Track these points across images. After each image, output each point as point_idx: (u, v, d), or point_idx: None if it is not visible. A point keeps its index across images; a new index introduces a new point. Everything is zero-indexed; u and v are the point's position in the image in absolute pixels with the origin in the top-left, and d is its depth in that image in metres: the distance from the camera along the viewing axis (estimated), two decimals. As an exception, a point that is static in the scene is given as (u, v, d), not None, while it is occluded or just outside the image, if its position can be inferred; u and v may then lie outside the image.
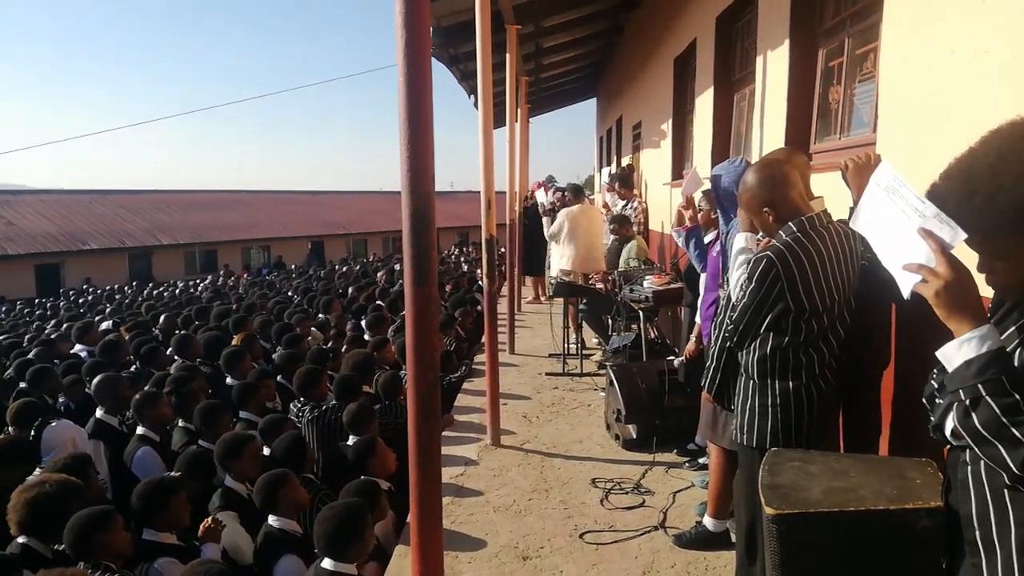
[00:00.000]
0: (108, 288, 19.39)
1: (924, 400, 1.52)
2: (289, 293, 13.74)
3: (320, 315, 9.46)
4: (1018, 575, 1.29)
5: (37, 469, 3.80)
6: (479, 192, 4.85)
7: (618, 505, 4.00)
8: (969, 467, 1.39)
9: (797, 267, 2.47)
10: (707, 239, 4.06)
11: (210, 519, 3.41)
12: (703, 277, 3.98)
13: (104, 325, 10.09)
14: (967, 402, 1.25)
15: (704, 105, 6.15)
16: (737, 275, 2.87)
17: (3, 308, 16.41)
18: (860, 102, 3.62)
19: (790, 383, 2.60)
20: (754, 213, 2.64)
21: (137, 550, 3.17)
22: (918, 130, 2.68)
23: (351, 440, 4.48)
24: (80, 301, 16.19)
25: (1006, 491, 1.30)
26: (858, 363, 2.86)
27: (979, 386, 1.23)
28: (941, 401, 1.43)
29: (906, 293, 1.38)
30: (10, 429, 4.71)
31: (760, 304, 2.55)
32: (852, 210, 2.86)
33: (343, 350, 6.73)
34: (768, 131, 4.49)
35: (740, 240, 2.92)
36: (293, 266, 25.32)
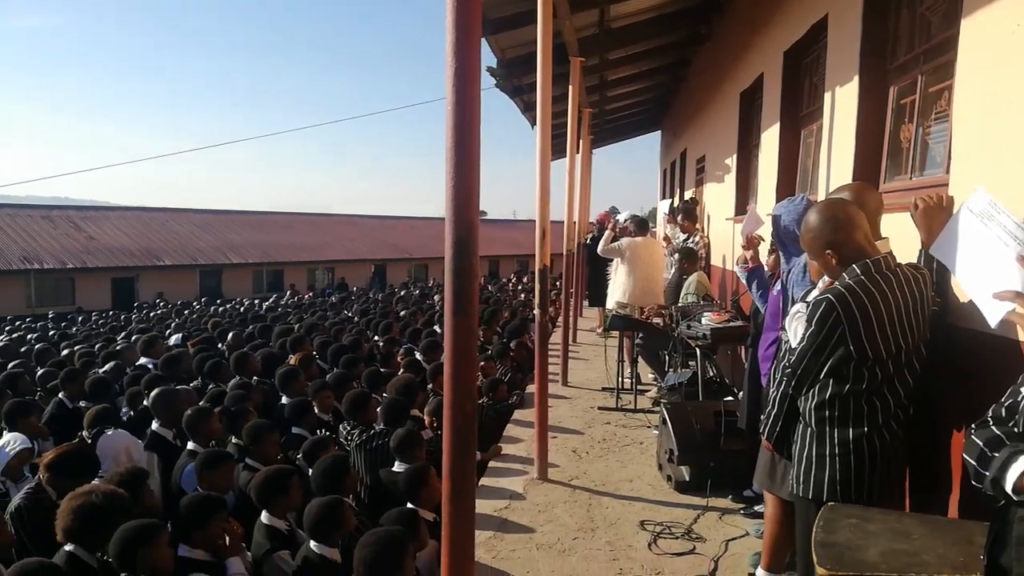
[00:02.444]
0: (178, 303, 20.08)
1: (965, 456, 1.41)
2: (347, 314, 13.96)
3: (376, 337, 9.56)
4: None
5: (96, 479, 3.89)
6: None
7: (667, 550, 3.86)
8: None
9: (860, 312, 2.35)
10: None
11: (234, 525, 3.42)
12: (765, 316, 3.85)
13: (173, 339, 10.42)
14: None
15: (770, 140, 6.03)
16: (793, 326, 2.76)
17: (80, 319, 17.13)
18: (933, 141, 3.47)
19: (850, 432, 2.47)
20: (816, 254, 2.54)
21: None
22: (993, 172, 2.53)
23: (397, 466, 4.46)
24: (151, 315, 16.79)
25: None
26: (927, 414, 2.69)
27: None
28: (997, 454, 1.34)
29: (993, 321, 1.29)
30: (84, 432, 4.88)
31: (819, 349, 2.43)
32: (921, 252, 2.75)
33: (400, 373, 6.75)
34: (836, 168, 4.35)
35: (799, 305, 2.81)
36: (354, 288, 25.77)
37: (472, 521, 2.22)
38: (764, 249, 4.45)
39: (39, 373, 7.50)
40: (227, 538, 3.36)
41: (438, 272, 34.45)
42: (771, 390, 3.07)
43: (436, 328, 9.94)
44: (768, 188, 5.96)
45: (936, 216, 2.64)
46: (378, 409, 5.17)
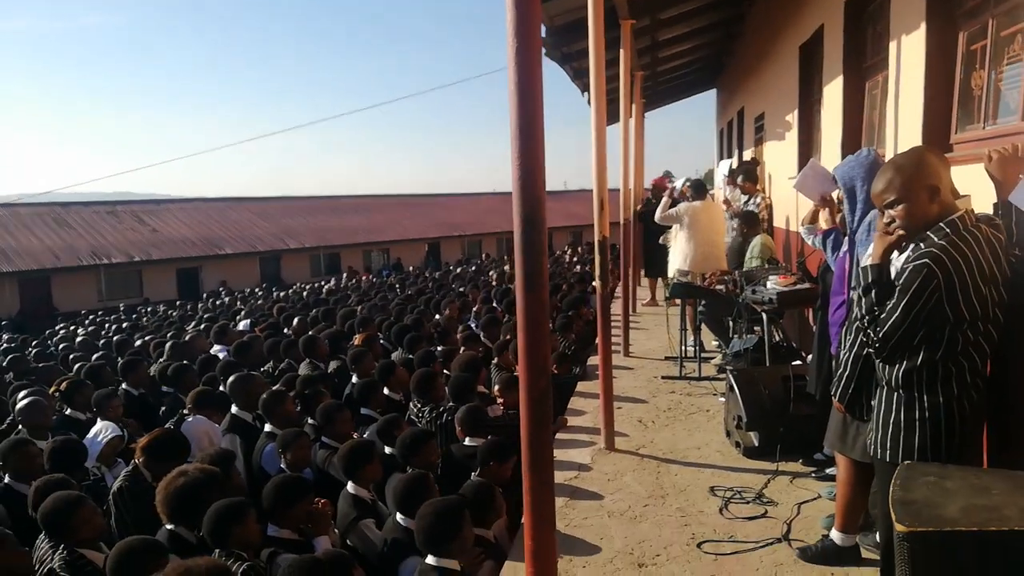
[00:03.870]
0: (243, 291, 20.62)
1: None
2: (409, 292, 14.16)
3: (436, 316, 9.69)
4: None
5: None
6: (592, 191, 4.76)
7: (738, 515, 3.85)
8: None
9: (956, 274, 2.26)
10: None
11: (321, 502, 3.54)
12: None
13: (242, 325, 10.77)
14: None
15: (833, 94, 5.85)
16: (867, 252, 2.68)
17: (148, 310, 17.76)
18: (1007, 88, 3.32)
19: (940, 396, 2.40)
20: (915, 193, 2.37)
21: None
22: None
23: (467, 441, 4.54)
24: (216, 304, 17.32)
25: None
26: (1006, 368, 2.61)
27: None
28: None
29: None
30: (186, 411, 5.09)
31: (917, 316, 2.33)
32: (995, 205, 2.64)
33: (461, 351, 6.85)
34: (903, 121, 4.21)
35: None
36: (410, 267, 26.08)
37: (552, 489, 2.28)
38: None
39: (120, 364, 7.84)
40: (316, 517, 3.48)
41: (491, 247, 34.55)
42: (842, 351, 3.02)
43: (494, 304, 10.00)
44: (832, 144, 5.80)
45: (1012, 166, 2.53)
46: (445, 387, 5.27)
